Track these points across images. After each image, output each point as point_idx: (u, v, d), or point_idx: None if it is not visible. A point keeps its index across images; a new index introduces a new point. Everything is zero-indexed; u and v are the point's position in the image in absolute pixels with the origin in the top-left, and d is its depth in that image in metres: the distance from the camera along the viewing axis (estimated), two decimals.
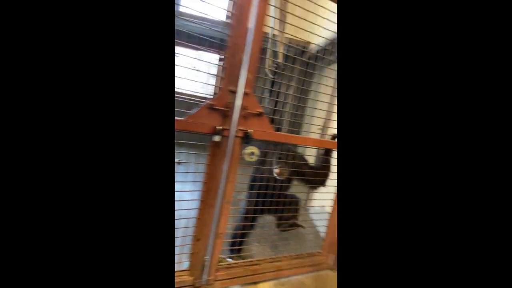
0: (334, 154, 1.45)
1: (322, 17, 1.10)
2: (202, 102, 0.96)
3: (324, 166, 1.44)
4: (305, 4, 1.05)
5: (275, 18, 1.05)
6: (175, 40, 0.62)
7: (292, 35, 1.17)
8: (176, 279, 1.06)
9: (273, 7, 1.17)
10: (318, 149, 1.46)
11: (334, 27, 1.21)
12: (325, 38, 1.26)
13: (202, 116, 0.94)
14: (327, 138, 1.45)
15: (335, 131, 1.39)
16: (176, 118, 0.82)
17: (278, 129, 1.23)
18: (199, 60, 1.09)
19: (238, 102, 0.98)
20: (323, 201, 1.46)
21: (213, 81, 1.13)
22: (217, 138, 0.97)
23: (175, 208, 0.66)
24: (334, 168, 1.41)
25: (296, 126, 1.31)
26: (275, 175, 1.33)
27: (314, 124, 1.31)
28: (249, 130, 1.02)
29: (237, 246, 1.30)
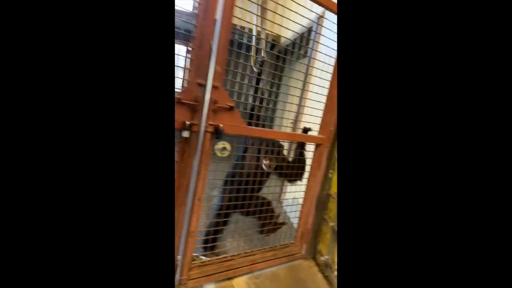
0: (308, 147, 1.48)
1: (291, 10, 1.10)
2: None
3: (301, 160, 1.47)
4: None
5: (245, 10, 1.02)
6: None
7: (265, 29, 1.16)
8: None
9: None
10: (291, 143, 1.48)
11: (303, 21, 1.21)
12: (295, 32, 1.26)
13: None
14: (299, 132, 1.47)
15: (306, 125, 1.42)
16: None
17: (263, 125, 1.24)
18: None
19: (207, 95, 0.94)
20: (295, 193, 1.49)
21: (180, 73, 1.08)
22: (186, 134, 0.93)
23: None
24: (308, 161, 1.45)
25: (269, 120, 1.30)
26: (264, 167, 1.35)
27: (286, 118, 1.32)
28: (220, 125, 1.00)
29: (210, 243, 1.28)
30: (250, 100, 1.28)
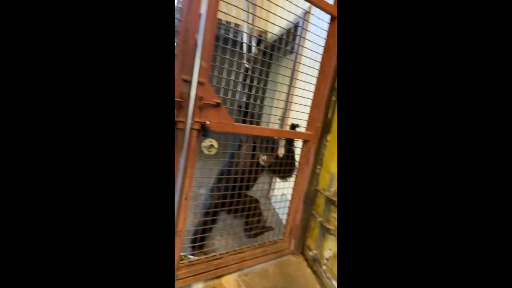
0: (296, 144, 1.48)
1: (277, 5, 1.09)
2: None
3: (289, 156, 1.47)
4: None
5: (231, 4, 1.00)
6: None
7: (252, 24, 1.14)
8: None
9: None
10: (279, 139, 1.48)
11: (289, 16, 1.21)
12: (281, 28, 1.25)
13: None
14: (287, 128, 1.47)
15: (294, 121, 1.42)
16: None
17: (252, 123, 1.23)
18: None
19: (193, 92, 0.92)
20: (283, 189, 1.49)
21: None
22: None
23: None
24: (297, 157, 1.45)
25: (257, 117, 1.29)
26: (261, 162, 1.35)
27: (274, 115, 1.31)
28: (206, 122, 0.98)
29: (198, 242, 1.26)
30: (240, 97, 1.27)
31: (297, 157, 1.45)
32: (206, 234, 1.27)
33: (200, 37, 0.89)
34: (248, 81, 1.14)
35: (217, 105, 1.00)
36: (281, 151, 1.47)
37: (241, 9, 1.03)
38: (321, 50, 1.29)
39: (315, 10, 1.25)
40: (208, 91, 0.97)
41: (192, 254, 1.24)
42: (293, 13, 1.18)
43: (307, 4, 1.19)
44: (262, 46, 1.36)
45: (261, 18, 1.10)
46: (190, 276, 1.14)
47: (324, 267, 1.28)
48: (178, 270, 1.10)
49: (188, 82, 0.91)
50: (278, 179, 1.47)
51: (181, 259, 1.14)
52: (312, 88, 1.34)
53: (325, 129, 1.40)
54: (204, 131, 0.98)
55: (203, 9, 0.88)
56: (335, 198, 1.24)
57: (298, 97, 1.35)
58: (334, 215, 1.29)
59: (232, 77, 1.08)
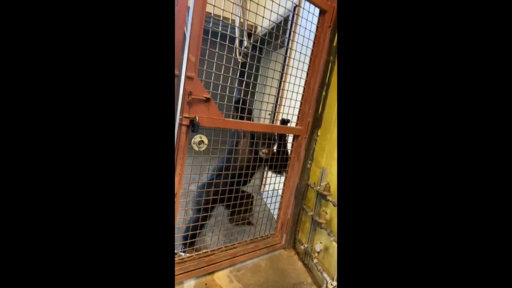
0: (288, 139, 1.48)
1: None
2: None
3: (286, 151, 1.47)
4: None
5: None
6: None
7: (242, 17, 1.12)
8: None
9: None
10: (276, 134, 1.47)
11: (279, 10, 1.19)
12: (271, 21, 1.24)
13: None
14: (278, 123, 1.46)
15: (284, 116, 1.42)
16: None
17: (249, 119, 1.22)
18: None
19: (181, 87, 0.90)
20: (275, 184, 1.50)
21: None
22: None
23: None
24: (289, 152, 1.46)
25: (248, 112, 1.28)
26: (261, 155, 1.38)
27: (264, 110, 1.30)
28: (195, 117, 0.96)
29: (190, 239, 1.25)
30: (237, 93, 1.25)
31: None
32: (198, 231, 1.26)
33: (188, 30, 0.86)
34: (244, 76, 1.12)
35: (207, 100, 0.98)
36: (274, 147, 1.48)
37: (230, 1, 1.01)
38: (311, 44, 1.29)
39: (305, 4, 1.23)
40: (197, 86, 0.94)
41: (184, 251, 1.23)
42: (282, 6, 1.16)
43: None
44: (252, 40, 1.33)
45: (250, 11, 1.08)
46: (182, 273, 1.13)
47: (315, 261, 1.30)
48: None
49: (177, 77, 0.88)
50: (273, 174, 1.48)
51: None
52: (302, 82, 1.34)
53: (316, 124, 1.40)
54: (193, 127, 0.96)
55: (191, 1, 0.85)
56: (326, 193, 1.25)
57: (289, 92, 1.34)
58: (325, 209, 1.30)
59: (229, 73, 1.06)
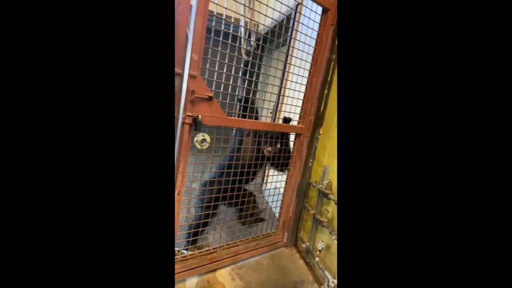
0: (290, 137, 1.48)
1: None
2: None
3: (288, 149, 1.48)
4: None
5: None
6: None
7: (244, 16, 1.12)
8: None
9: None
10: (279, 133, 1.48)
11: (282, 8, 1.19)
12: (273, 19, 1.23)
13: None
14: (280, 122, 1.47)
15: (286, 115, 1.42)
16: None
17: (257, 118, 1.23)
18: None
19: (184, 85, 0.90)
20: (276, 182, 1.50)
21: None
22: None
23: None
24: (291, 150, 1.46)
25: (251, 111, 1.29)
26: (265, 152, 1.39)
27: (266, 108, 1.30)
28: (198, 116, 0.96)
29: (192, 237, 1.26)
30: (242, 92, 1.25)
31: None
32: (200, 229, 1.27)
33: (191, 29, 0.86)
34: (247, 75, 1.13)
35: (210, 98, 0.98)
36: (278, 145, 1.48)
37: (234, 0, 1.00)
38: (313, 42, 1.28)
39: (307, 2, 1.23)
40: (200, 85, 0.95)
41: (186, 249, 1.24)
42: (285, 4, 1.16)
43: None
44: (254, 38, 1.33)
45: (253, 9, 1.08)
46: (184, 271, 1.13)
47: (317, 259, 1.30)
48: None
49: (179, 76, 0.89)
50: (276, 172, 1.49)
51: (175, 254, 1.14)
52: (305, 81, 1.33)
53: (318, 123, 1.40)
54: (196, 126, 0.96)
55: (194, 0, 0.85)
56: (327, 191, 1.26)
57: (291, 90, 1.34)
58: (326, 207, 1.30)
59: (231, 72, 1.06)
